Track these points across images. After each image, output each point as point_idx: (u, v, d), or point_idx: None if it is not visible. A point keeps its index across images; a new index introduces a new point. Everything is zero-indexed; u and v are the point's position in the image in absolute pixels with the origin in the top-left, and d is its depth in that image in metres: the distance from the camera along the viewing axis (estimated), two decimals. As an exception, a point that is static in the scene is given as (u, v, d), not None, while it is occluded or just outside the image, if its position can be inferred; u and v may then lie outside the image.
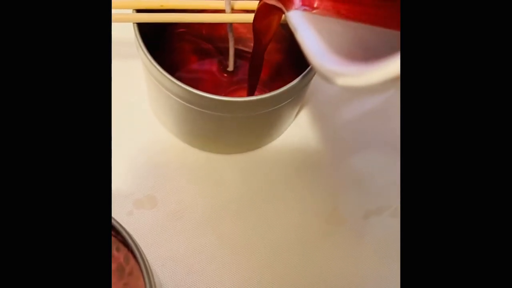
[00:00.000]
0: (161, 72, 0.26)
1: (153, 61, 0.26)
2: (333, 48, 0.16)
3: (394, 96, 0.37)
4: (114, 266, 0.24)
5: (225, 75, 0.33)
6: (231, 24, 0.28)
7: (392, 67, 0.13)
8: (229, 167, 0.33)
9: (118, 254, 0.24)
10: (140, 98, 0.34)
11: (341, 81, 0.15)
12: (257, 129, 0.32)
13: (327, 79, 0.16)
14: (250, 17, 0.28)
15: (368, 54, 0.14)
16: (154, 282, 0.23)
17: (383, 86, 0.13)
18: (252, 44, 0.28)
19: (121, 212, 0.31)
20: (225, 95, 0.33)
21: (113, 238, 0.24)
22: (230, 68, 0.32)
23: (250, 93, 0.31)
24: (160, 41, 0.33)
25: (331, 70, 0.15)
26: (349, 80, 0.14)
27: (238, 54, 0.33)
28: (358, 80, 0.14)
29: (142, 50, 0.27)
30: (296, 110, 0.34)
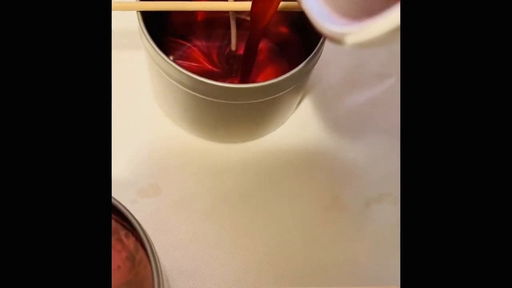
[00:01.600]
0: (164, 59, 0.26)
1: (156, 48, 0.27)
2: (337, 11, 0.17)
3: (395, 85, 0.38)
4: (124, 254, 0.24)
5: (229, 54, 0.33)
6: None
7: (395, 15, 0.13)
8: (231, 156, 0.33)
9: (128, 242, 0.24)
10: (143, 88, 0.34)
11: (350, 39, 0.15)
12: (260, 117, 0.32)
13: (335, 40, 0.16)
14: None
15: (372, 15, 0.14)
16: (161, 271, 0.23)
17: (390, 36, 0.14)
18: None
19: (125, 200, 0.30)
20: (231, 75, 0.33)
21: (121, 226, 0.25)
22: (233, 47, 0.32)
23: (243, 79, 0.31)
24: (162, 27, 0.33)
25: (338, 31, 0.16)
26: (357, 37, 0.15)
27: (241, 33, 0.33)
28: (365, 35, 0.14)
29: (146, 38, 0.27)
30: (299, 98, 0.34)
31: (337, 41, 0.16)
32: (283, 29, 0.35)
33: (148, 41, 0.27)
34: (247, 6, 0.28)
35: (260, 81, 0.27)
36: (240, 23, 0.33)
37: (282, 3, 0.27)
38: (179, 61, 0.33)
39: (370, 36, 0.14)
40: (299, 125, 0.35)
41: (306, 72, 0.29)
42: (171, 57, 0.33)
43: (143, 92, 0.34)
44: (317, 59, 0.29)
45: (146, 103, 0.34)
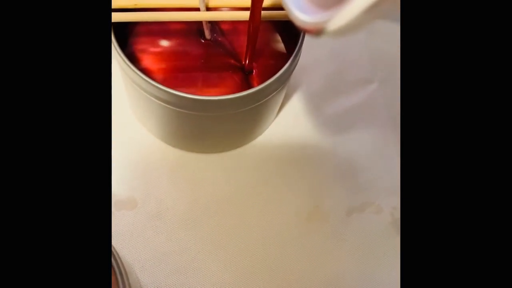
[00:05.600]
0: (137, 74, 0.26)
1: (128, 62, 0.26)
2: (313, 2, 0.17)
3: (376, 91, 0.37)
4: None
5: (203, 43, 0.32)
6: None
7: None
8: (210, 166, 0.33)
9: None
10: (119, 98, 0.34)
11: (331, 26, 0.15)
12: (236, 128, 0.31)
13: (314, 31, 0.16)
14: (224, 15, 0.28)
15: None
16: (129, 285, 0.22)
17: (367, 15, 0.14)
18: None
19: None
20: (208, 63, 0.32)
21: None
22: (207, 36, 0.31)
23: (250, 61, 0.31)
24: (129, 26, 0.32)
25: (316, 21, 0.16)
26: (336, 22, 0.15)
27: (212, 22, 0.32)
28: (344, 18, 0.15)
29: (118, 52, 0.26)
30: (276, 109, 0.34)
31: (316, 31, 0.16)
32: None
33: (120, 54, 0.26)
34: (220, 15, 0.28)
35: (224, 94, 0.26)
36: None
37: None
38: (156, 52, 0.32)
39: (349, 18, 0.14)
40: (277, 134, 0.35)
41: (281, 83, 0.28)
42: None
43: (119, 102, 0.34)
44: (293, 68, 0.29)
45: (122, 114, 0.33)
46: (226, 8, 0.31)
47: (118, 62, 0.27)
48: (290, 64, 0.28)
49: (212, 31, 0.32)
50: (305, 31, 0.17)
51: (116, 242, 0.30)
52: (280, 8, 0.28)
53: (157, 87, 0.26)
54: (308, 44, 0.28)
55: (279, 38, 0.34)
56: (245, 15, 0.27)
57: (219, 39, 0.32)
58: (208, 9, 0.28)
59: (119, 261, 0.22)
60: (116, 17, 0.27)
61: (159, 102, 0.27)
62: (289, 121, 0.35)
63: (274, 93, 0.29)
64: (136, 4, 0.27)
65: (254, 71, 0.32)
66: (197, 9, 0.27)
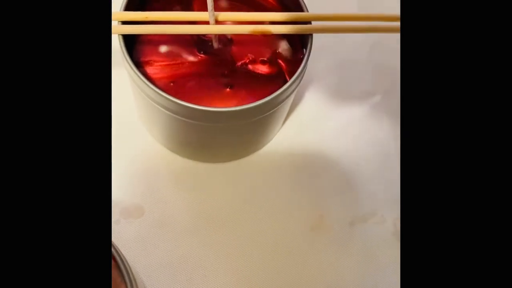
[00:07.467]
0: (145, 83, 0.26)
1: (138, 73, 0.27)
2: None
3: (380, 103, 0.38)
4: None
5: (211, 51, 0.32)
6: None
7: None
8: (216, 175, 0.33)
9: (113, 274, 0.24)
10: (127, 107, 0.34)
11: None
12: (243, 138, 0.32)
13: None
14: (234, 29, 0.29)
15: None
16: None
17: None
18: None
19: (108, 221, 0.31)
20: (215, 72, 0.32)
21: None
22: (215, 46, 0.32)
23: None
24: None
25: None
26: None
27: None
28: None
29: (128, 62, 0.27)
30: (282, 119, 0.34)
31: None
32: (265, 57, 0.35)
33: (130, 66, 0.27)
34: (229, 29, 0.29)
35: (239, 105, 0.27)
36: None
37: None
38: (161, 59, 0.32)
39: None
40: (283, 145, 0.35)
41: (288, 94, 0.29)
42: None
43: (127, 111, 0.34)
44: (301, 78, 0.29)
45: (130, 123, 0.34)
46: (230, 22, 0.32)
47: (127, 70, 0.28)
48: (298, 75, 0.28)
49: (220, 40, 0.32)
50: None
51: (123, 249, 0.30)
52: (289, 22, 0.29)
53: (165, 97, 0.26)
54: (312, 56, 0.29)
55: (287, 48, 0.34)
56: (252, 29, 0.28)
57: (227, 48, 0.33)
58: (217, 22, 0.28)
59: (128, 269, 0.23)
60: (127, 29, 0.28)
61: (167, 111, 0.28)
62: (294, 132, 0.36)
63: (281, 103, 0.29)
64: (147, 17, 0.28)
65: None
66: (207, 23, 0.28)
